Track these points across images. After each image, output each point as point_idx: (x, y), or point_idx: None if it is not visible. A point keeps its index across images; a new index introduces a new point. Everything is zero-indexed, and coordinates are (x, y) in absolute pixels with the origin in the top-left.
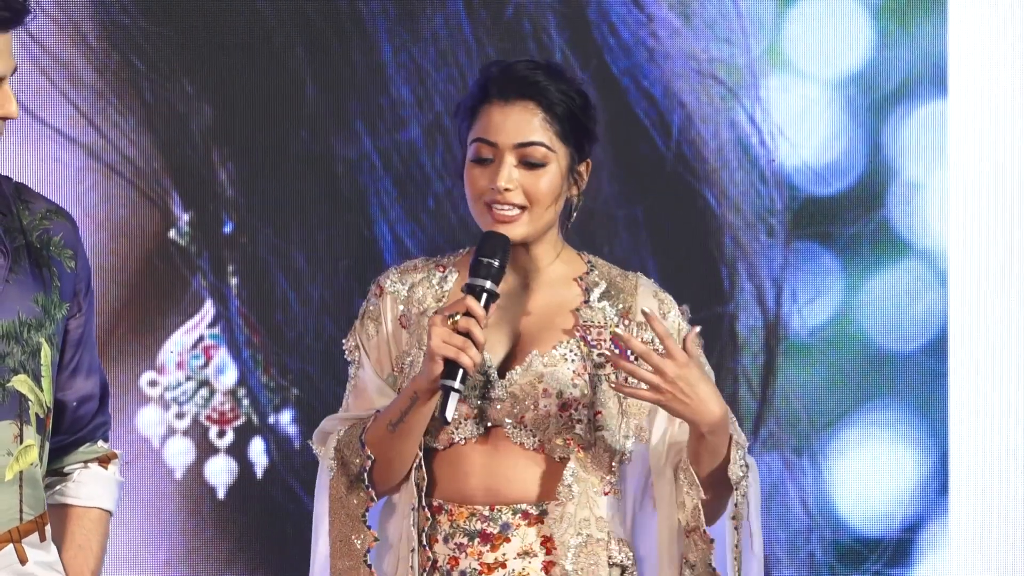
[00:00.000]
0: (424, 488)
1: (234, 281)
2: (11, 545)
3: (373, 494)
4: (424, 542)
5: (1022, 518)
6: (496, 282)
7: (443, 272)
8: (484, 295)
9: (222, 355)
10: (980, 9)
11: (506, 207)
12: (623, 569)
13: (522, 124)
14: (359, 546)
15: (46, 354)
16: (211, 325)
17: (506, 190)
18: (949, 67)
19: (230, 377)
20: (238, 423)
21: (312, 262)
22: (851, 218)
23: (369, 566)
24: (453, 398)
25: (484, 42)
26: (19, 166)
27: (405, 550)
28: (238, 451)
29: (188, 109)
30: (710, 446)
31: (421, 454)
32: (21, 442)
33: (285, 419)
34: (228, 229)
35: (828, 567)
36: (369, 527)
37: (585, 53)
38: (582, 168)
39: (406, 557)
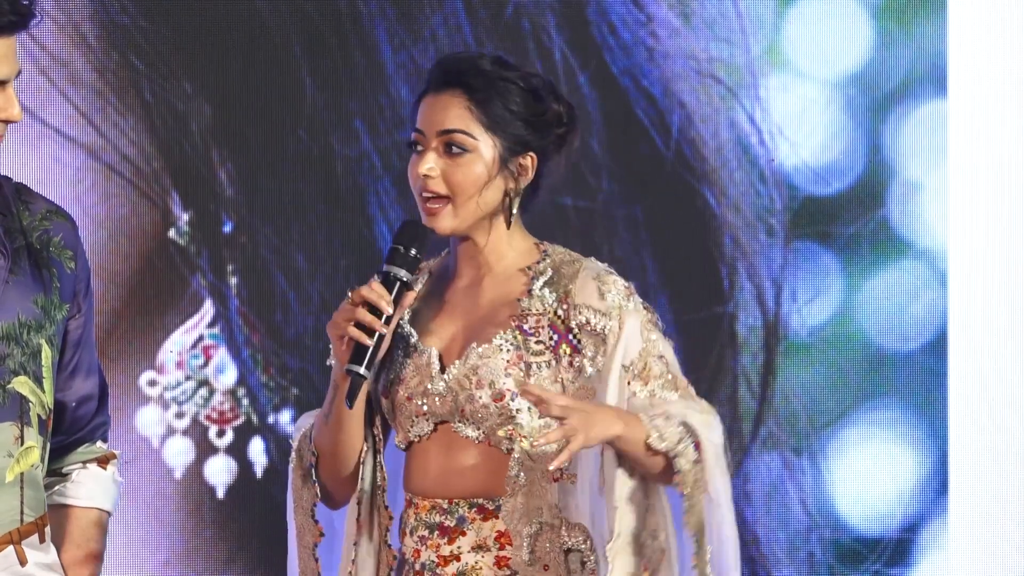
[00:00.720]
0: (384, 488)
1: (234, 281)
2: (11, 547)
3: (317, 490)
4: (388, 540)
5: (1022, 518)
6: (411, 270)
7: (418, 275)
8: (396, 284)
9: (222, 355)
10: (980, 9)
11: (432, 199)
12: (580, 554)
13: (445, 112)
14: (308, 539)
15: (47, 355)
16: (211, 325)
17: (426, 176)
18: (949, 67)
19: (230, 377)
20: (238, 423)
21: (311, 261)
22: (851, 218)
23: (316, 560)
24: (357, 383)
25: (483, 42)
26: (19, 166)
27: (348, 543)
28: (238, 451)
29: (188, 109)
30: (632, 454)
31: (367, 450)
32: (22, 444)
33: (284, 419)
34: (228, 228)
35: (827, 567)
36: (316, 521)
37: (585, 53)
38: (524, 161)
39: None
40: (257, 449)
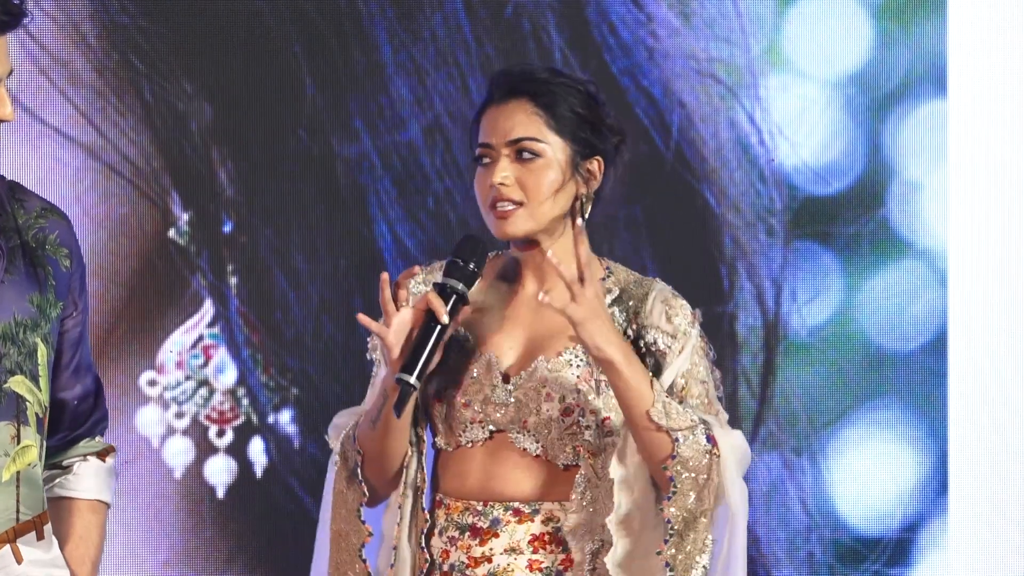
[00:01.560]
0: (424, 490)
1: (233, 281)
2: (7, 546)
3: (365, 490)
4: (422, 543)
5: (1021, 517)
6: (468, 284)
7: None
8: (453, 296)
9: (221, 355)
10: (979, 9)
11: (505, 203)
12: None
13: (513, 121)
14: (355, 540)
15: (43, 354)
16: (211, 325)
17: (501, 185)
18: (948, 67)
19: (229, 377)
20: (237, 423)
21: (311, 262)
22: (851, 218)
23: (364, 560)
24: (406, 392)
25: (483, 41)
26: (19, 165)
27: (394, 548)
28: (238, 451)
29: (188, 109)
30: (622, 381)
31: (412, 453)
32: (19, 442)
33: (284, 418)
34: (228, 228)
35: (827, 567)
36: (364, 522)
37: (584, 53)
38: (591, 165)
39: (392, 554)
40: (257, 449)
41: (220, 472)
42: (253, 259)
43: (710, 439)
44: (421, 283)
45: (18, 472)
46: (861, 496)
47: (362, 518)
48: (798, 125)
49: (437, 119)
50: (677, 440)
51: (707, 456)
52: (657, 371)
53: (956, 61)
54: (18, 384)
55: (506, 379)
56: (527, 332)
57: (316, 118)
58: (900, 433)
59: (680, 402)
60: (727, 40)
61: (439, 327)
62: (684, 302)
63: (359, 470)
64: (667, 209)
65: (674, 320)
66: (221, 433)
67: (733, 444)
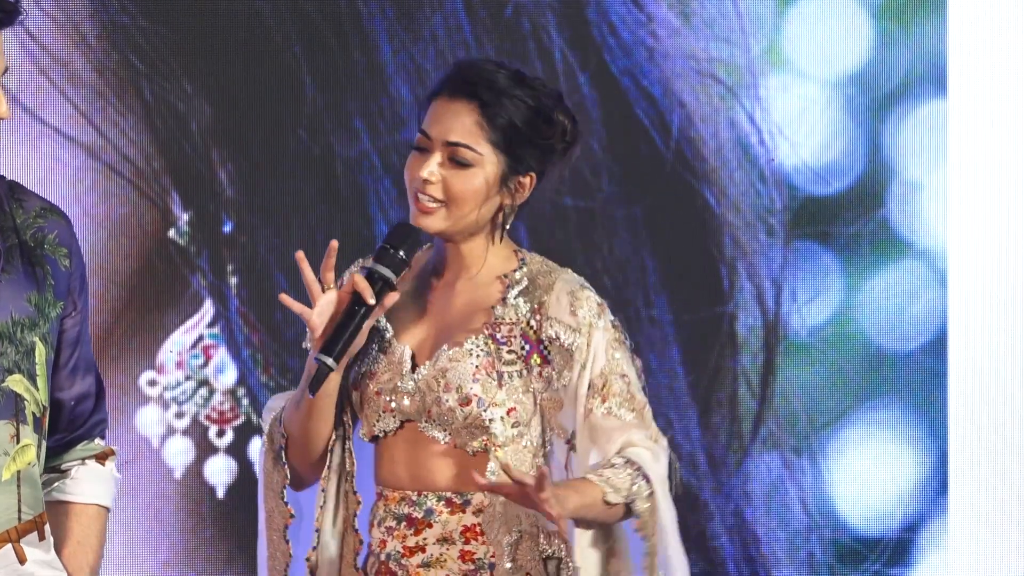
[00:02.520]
0: (354, 473)
1: (234, 280)
2: (9, 545)
3: (287, 472)
4: (356, 525)
5: (1021, 517)
6: (396, 272)
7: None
8: (380, 282)
9: (222, 355)
10: (979, 9)
11: (427, 198)
12: (559, 561)
13: (456, 122)
14: (279, 521)
15: (40, 353)
16: (211, 325)
17: (426, 181)
18: (948, 67)
19: (230, 377)
20: (238, 423)
21: (312, 261)
22: (851, 218)
23: (287, 542)
24: (323, 372)
25: (483, 41)
26: (18, 165)
27: (316, 531)
28: (238, 451)
29: (188, 108)
30: (597, 518)
31: (336, 438)
32: (18, 442)
33: None
34: (228, 228)
35: (828, 567)
36: (287, 503)
37: (584, 52)
38: (524, 180)
39: (315, 537)
40: (257, 449)
41: (220, 472)
42: (253, 259)
43: (646, 478)
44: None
45: (18, 471)
46: (861, 496)
47: (285, 499)
48: (798, 125)
49: None
50: (632, 503)
51: (650, 500)
52: (563, 366)
53: (956, 61)
54: (16, 383)
55: (414, 368)
56: (440, 322)
57: (316, 118)
58: (900, 433)
59: (603, 401)
60: (727, 40)
61: (363, 310)
62: (591, 293)
63: (283, 452)
64: (667, 209)
65: (578, 312)
66: (221, 433)
67: (660, 476)
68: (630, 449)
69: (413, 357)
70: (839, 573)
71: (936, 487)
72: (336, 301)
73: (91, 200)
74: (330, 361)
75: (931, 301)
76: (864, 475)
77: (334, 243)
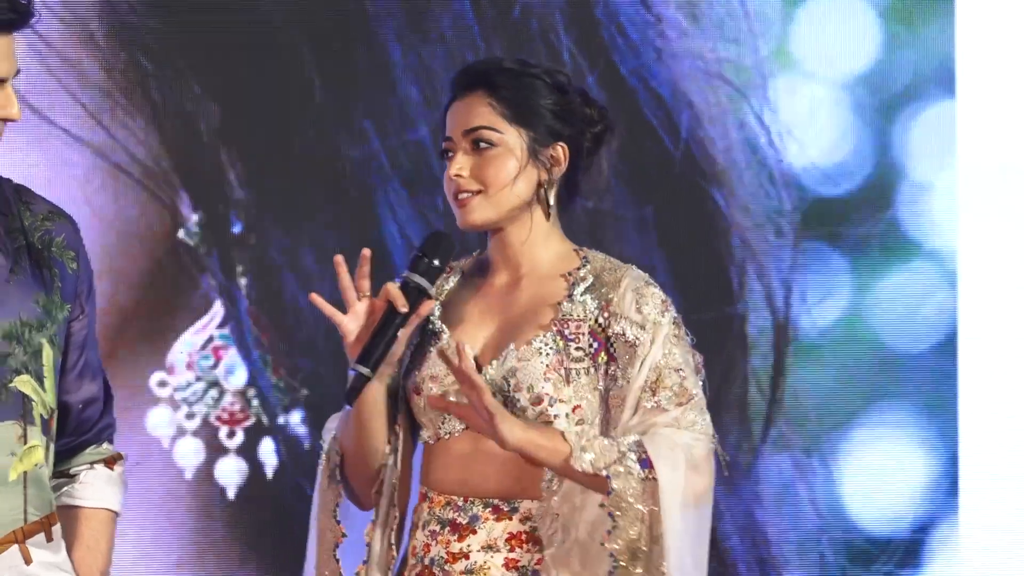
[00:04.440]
0: (396, 487)
1: (243, 281)
2: (15, 546)
3: (340, 490)
4: (392, 540)
5: None
6: (430, 280)
7: (450, 273)
8: (414, 291)
9: (232, 355)
10: (988, 10)
11: (465, 194)
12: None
13: (469, 112)
14: (330, 539)
15: (48, 355)
16: (220, 325)
17: (457, 176)
18: (957, 67)
19: (240, 377)
20: (248, 423)
21: (321, 262)
22: (860, 218)
23: (337, 560)
24: (359, 382)
25: (492, 42)
26: (27, 166)
27: (368, 545)
28: (248, 451)
29: (196, 109)
30: (536, 456)
31: (389, 452)
32: (25, 442)
33: (295, 419)
34: (237, 229)
35: (839, 567)
36: (339, 522)
37: (593, 53)
38: (554, 151)
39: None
40: (267, 450)
41: (231, 473)
42: (263, 260)
43: (645, 463)
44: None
45: (25, 472)
46: (872, 497)
47: (337, 518)
48: (807, 126)
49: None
50: (609, 477)
51: (643, 483)
52: (628, 363)
53: (964, 62)
54: (23, 384)
55: (479, 369)
56: (499, 321)
57: (324, 119)
58: (910, 434)
59: (653, 395)
60: (736, 41)
61: (398, 319)
62: (656, 290)
63: (338, 471)
64: (676, 210)
65: (644, 309)
66: (231, 434)
67: (663, 454)
68: (651, 431)
69: (476, 358)
70: (850, 574)
71: (947, 488)
72: (369, 310)
73: (100, 201)
74: (366, 370)
75: (941, 302)
76: (874, 476)
77: (366, 251)
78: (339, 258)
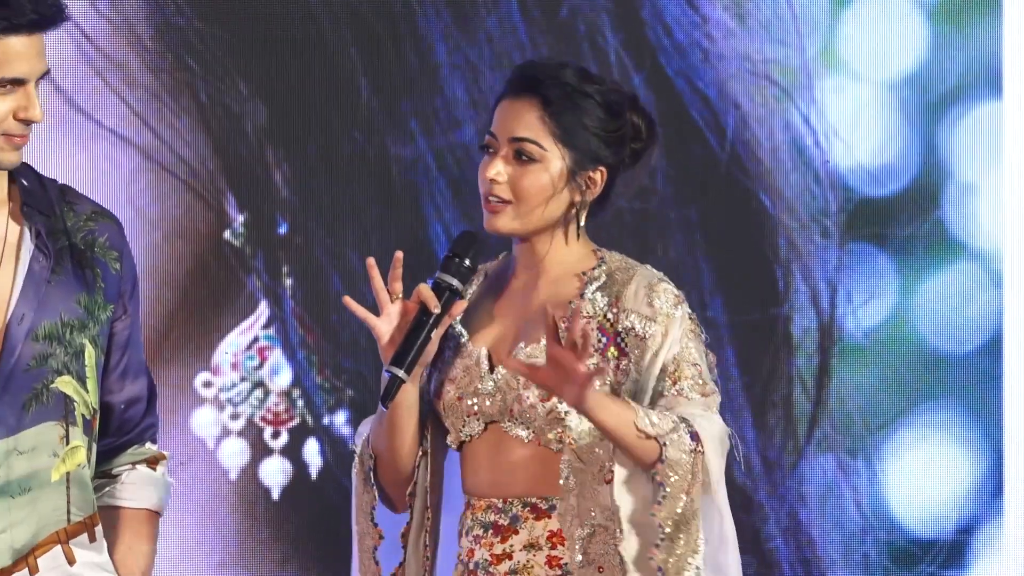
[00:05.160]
0: (428, 490)
1: (289, 282)
2: (59, 546)
3: (376, 493)
4: (427, 542)
5: None
6: (462, 280)
7: (479, 276)
8: (446, 291)
9: (277, 356)
10: None
11: (496, 199)
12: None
13: (520, 119)
14: (368, 542)
15: (90, 355)
16: (266, 326)
17: (493, 181)
18: (1004, 68)
19: (284, 378)
20: (292, 424)
21: (362, 262)
22: (906, 219)
23: (377, 563)
24: (394, 384)
25: (538, 43)
26: (74, 166)
27: (404, 548)
28: (292, 452)
29: (242, 110)
30: (620, 436)
31: (421, 454)
32: (67, 443)
33: (339, 420)
34: (283, 230)
35: (882, 568)
36: (376, 524)
37: (639, 54)
38: (593, 175)
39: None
40: (312, 450)
41: (275, 473)
42: (308, 260)
43: (694, 436)
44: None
45: (68, 473)
46: (916, 498)
47: (374, 520)
48: (853, 127)
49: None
50: (664, 444)
51: (692, 455)
52: (640, 356)
53: (1012, 62)
54: (65, 384)
55: (492, 369)
56: (514, 322)
57: (371, 119)
58: (955, 435)
59: (673, 383)
60: (782, 42)
61: (431, 319)
62: (669, 285)
63: (372, 473)
64: (722, 211)
65: (655, 303)
66: (276, 434)
67: (712, 434)
68: (685, 411)
69: (490, 358)
70: (893, 574)
71: (991, 489)
72: (403, 312)
73: (146, 201)
74: (401, 372)
75: (986, 303)
76: (919, 477)
77: (399, 254)
78: (371, 261)
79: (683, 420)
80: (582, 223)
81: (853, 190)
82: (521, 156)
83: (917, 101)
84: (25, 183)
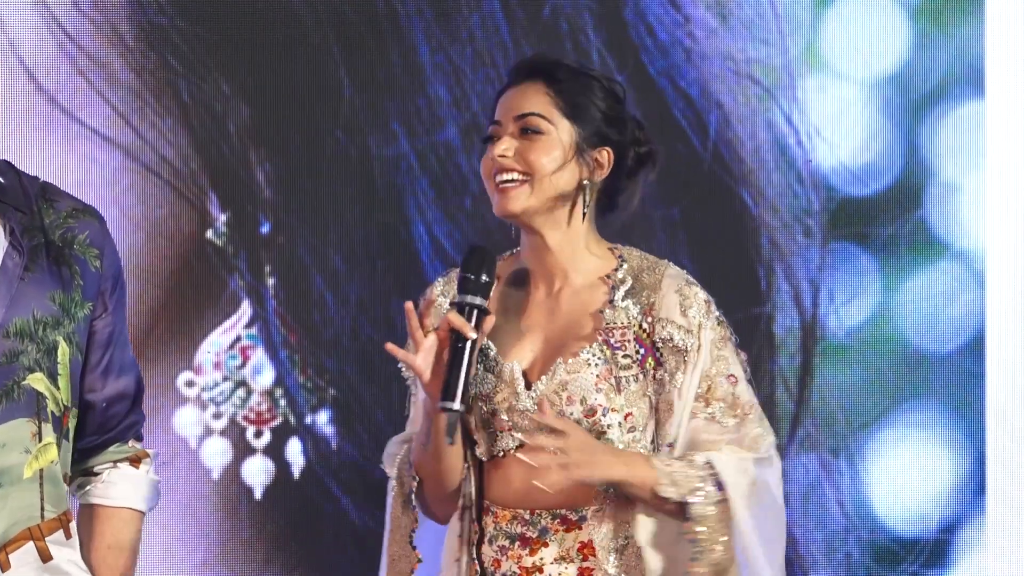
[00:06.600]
0: (474, 501)
1: (271, 281)
2: (31, 543)
3: (417, 515)
4: (474, 555)
5: None
6: (484, 296)
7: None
8: (474, 312)
9: (259, 355)
10: (1017, 9)
11: (506, 176)
12: None
13: (524, 97)
14: (404, 566)
15: (63, 352)
16: (248, 325)
17: (501, 157)
18: (986, 67)
19: (267, 377)
20: (275, 423)
21: (349, 262)
22: (888, 219)
23: None
24: (453, 418)
25: (521, 42)
26: (57, 166)
27: (449, 559)
28: (275, 451)
29: (225, 109)
30: (641, 498)
31: (467, 466)
32: (40, 440)
33: (322, 419)
34: (265, 229)
35: (865, 568)
36: (415, 548)
37: (622, 53)
38: (599, 155)
39: (450, 566)
40: (294, 450)
41: (257, 473)
42: (291, 260)
43: (720, 485)
44: (440, 294)
45: (41, 469)
46: (898, 497)
47: (413, 544)
48: (835, 126)
49: (475, 120)
50: (689, 504)
51: (718, 506)
52: (676, 368)
53: (994, 62)
54: (36, 381)
55: (528, 385)
56: (545, 335)
57: (354, 119)
58: (937, 434)
59: (706, 405)
60: (765, 41)
61: (468, 344)
62: (698, 289)
63: (413, 496)
64: (704, 210)
65: (688, 312)
66: (258, 434)
67: (737, 482)
68: (714, 454)
69: (525, 374)
70: (876, 574)
71: (974, 488)
72: (438, 343)
73: (129, 201)
74: (456, 405)
75: (969, 302)
76: (901, 476)
77: (409, 305)
78: (409, 305)
79: (710, 470)
80: (589, 201)
81: (836, 189)
82: (527, 131)
83: (900, 101)
84: (2, 180)
